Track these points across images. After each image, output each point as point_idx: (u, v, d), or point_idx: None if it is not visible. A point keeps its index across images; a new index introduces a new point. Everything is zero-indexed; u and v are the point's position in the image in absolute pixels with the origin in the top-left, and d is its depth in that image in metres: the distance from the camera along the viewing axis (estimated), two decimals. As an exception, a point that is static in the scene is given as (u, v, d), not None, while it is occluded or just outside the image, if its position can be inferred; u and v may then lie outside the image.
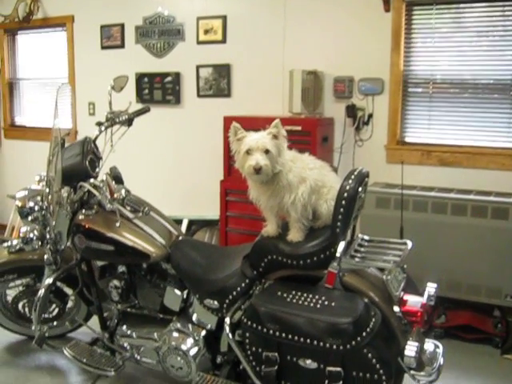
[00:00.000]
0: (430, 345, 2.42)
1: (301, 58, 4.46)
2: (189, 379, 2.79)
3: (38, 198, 3.04)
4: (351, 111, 4.32)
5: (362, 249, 2.54)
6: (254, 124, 4.22)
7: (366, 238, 2.64)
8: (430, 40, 4.15)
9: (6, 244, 3.35)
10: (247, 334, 2.43)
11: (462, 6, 4.03)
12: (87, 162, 2.98)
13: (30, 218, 3.04)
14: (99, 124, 3.19)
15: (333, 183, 2.55)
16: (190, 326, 2.84)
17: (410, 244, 2.53)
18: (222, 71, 4.87)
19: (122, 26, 5.34)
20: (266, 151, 2.41)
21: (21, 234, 3.03)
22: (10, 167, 6.35)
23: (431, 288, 2.49)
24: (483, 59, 4.01)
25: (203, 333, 2.81)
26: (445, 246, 3.65)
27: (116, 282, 2.99)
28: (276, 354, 2.37)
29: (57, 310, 3.52)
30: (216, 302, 2.66)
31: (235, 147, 2.52)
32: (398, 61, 4.17)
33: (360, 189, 2.41)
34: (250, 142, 2.43)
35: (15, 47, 6.22)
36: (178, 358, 2.78)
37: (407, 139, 4.30)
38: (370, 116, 4.32)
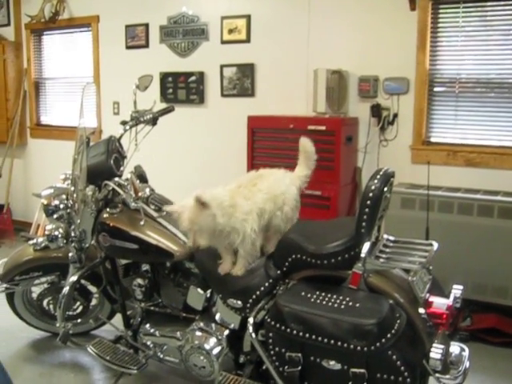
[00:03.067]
0: (455, 348, 2.37)
1: (325, 57, 4.44)
2: (211, 378, 2.78)
3: (63, 196, 3.06)
4: (376, 111, 4.28)
5: (387, 249, 2.51)
6: (277, 123, 4.28)
7: (391, 238, 2.61)
8: (457, 39, 4.09)
9: (31, 242, 3.39)
10: (270, 334, 2.42)
11: (488, 4, 3.97)
12: (112, 161, 3.00)
13: (55, 216, 3.05)
14: (124, 123, 3.20)
15: (274, 190, 2.67)
16: (213, 325, 2.84)
17: (435, 245, 2.50)
18: (246, 71, 4.87)
19: (147, 25, 5.38)
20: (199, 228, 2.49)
21: (46, 232, 3.05)
22: (35, 166, 6.43)
23: (457, 290, 2.46)
24: (510, 58, 3.94)
25: (226, 332, 2.81)
26: (471, 247, 3.61)
27: (140, 281, 3.00)
28: (299, 354, 2.34)
29: (81, 308, 3.56)
30: (239, 302, 2.65)
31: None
32: (424, 60, 4.13)
33: (385, 189, 2.39)
34: (183, 225, 2.50)
35: (41, 47, 6.30)
36: (201, 357, 2.78)
37: (433, 139, 4.25)
38: (395, 116, 4.28)
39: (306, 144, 2.88)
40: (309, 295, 2.40)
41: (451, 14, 4.09)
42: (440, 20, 4.13)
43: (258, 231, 2.65)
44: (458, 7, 4.03)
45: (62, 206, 3.04)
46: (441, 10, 4.11)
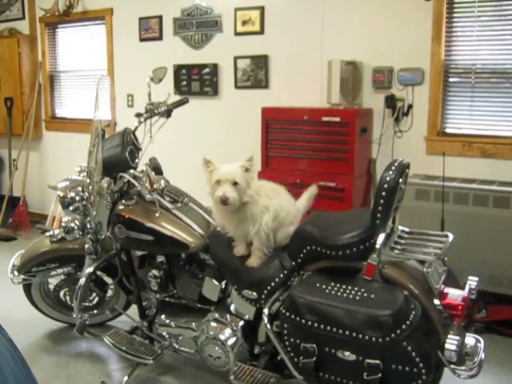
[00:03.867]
0: (470, 339, 2.38)
1: (339, 48, 4.43)
2: (226, 369, 2.80)
3: (79, 188, 3.08)
4: (390, 102, 4.26)
5: (402, 241, 2.51)
6: (291, 115, 4.28)
7: (406, 229, 2.61)
8: (472, 29, 4.05)
9: (47, 233, 3.42)
10: (285, 325, 2.43)
11: (504, -7, 3.94)
12: (127, 153, 3.01)
13: (71, 208, 3.07)
14: (138, 115, 3.21)
15: (289, 208, 2.72)
16: (228, 316, 2.85)
17: (451, 236, 2.49)
18: (260, 62, 4.86)
19: (160, 18, 5.38)
20: (235, 183, 2.53)
21: (62, 224, 3.07)
22: (51, 158, 6.48)
23: (472, 281, 2.45)
24: (526, 48, 3.90)
25: (241, 323, 2.82)
26: (486, 239, 3.58)
27: (155, 272, 3.02)
28: (314, 345, 2.35)
29: (97, 299, 3.58)
30: (254, 293, 2.66)
31: (207, 177, 2.63)
32: (439, 50, 4.10)
33: (400, 180, 2.39)
34: (220, 174, 2.56)
35: (56, 40, 6.33)
36: (216, 348, 2.80)
37: (448, 130, 4.22)
38: (410, 107, 4.26)
39: (313, 189, 2.92)
40: (324, 286, 2.41)
41: (466, 3, 4.05)
42: (455, 10, 4.09)
43: (271, 227, 2.67)
44: (474, -4, 4.00)
45: (77, 198, 3.06)
46: (456, 0, 4.07)
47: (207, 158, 2.63)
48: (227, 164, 2.59)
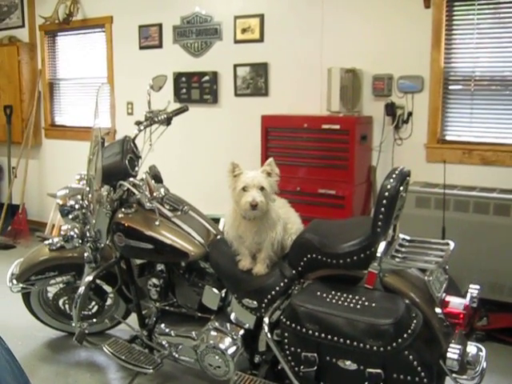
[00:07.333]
0: (472, 348, 2.35)
1: (339, 56, 4.43)
2: (227, 378, 2.78)
3: (79, 196, 3.08)
4: (390, 109, 4.26)
5: (403, 249, 2.49)
6: (291, 123, 4.28)
7: (407, 238, 2.60)
8: (471, 36, 4.05)
9: (47, 242, 3.41)
10: (286, 334, 2.41)
11: (503, 1, 3.92)
12: (127, 161, 3.01)
13: (70, 217, 3.07)
14: (138, 123, 3.21)
15: (294, 218, 2.81)
16: (228, 325, 2.84)
17: (452, 244, 2.48)
18: (260, 70, 4.86)
19: (160, 26, 5.39)
20: (261, 188, 2.55)
21: (61, 232, 3.07)
22: (50, 166, 6.47)
23: (474, 290, 2.44)
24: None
25: (241, 332, 2.80)
26: (487, 246, 3.57)
27: (155, 281, 3.01)
28: (315, 354, 2.34)
29: (96, 308, 3.57)
30: (255, 302, 2.65)
31: (232, 184, 2.63)
32: (439, 58, 4.10)
33: (401, 188, 2.38)
34: (247, 179, 2.56)
35: (55, 48, 6.34)
36: (216, 357, 2.78)
37: (448, 137, 4.21)
38: (410, 114, 4.25)
39: None
40: (324, 295, 2.39)
41: (466, 11, 4.06)
42: (454, 17, 4.09)
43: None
44: (473, 4, 3.99)
45: (77, 206, 3.06)
46: (455, 8, 4.08)
47: (236, 162, 2.64)
48: (250, 170, 2.60)
